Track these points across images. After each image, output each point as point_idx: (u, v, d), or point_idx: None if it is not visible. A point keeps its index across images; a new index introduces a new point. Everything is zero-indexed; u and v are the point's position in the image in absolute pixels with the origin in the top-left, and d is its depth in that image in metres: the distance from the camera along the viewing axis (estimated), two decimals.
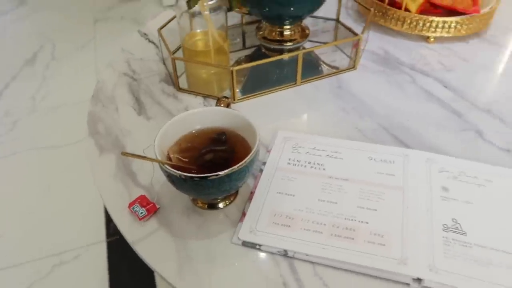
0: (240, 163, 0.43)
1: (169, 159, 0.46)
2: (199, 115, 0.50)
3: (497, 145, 0.57)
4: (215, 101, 0.59)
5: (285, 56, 0.69)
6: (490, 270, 0.41)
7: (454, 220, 0.46)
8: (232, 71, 0.62)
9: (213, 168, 0.43)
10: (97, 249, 1.14)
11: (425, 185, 0.50)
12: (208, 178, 0.42)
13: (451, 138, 0.58)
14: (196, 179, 0.42)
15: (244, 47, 0.80)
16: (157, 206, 0.49)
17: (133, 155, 0.44)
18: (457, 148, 0.56)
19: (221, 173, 0.42)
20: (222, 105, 0.52)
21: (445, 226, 0.45)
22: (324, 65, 0.74)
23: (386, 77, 0.70)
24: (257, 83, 0.71)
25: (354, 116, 0.62)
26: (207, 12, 0.62)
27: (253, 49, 0.78)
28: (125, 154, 0.43)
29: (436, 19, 0.74)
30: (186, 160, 0.47)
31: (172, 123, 0.48)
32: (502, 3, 0.79)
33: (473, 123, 0.60)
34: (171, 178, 0.44)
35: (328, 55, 0.76)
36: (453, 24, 0.74)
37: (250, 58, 0.76)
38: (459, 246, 0.43)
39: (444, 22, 0.74)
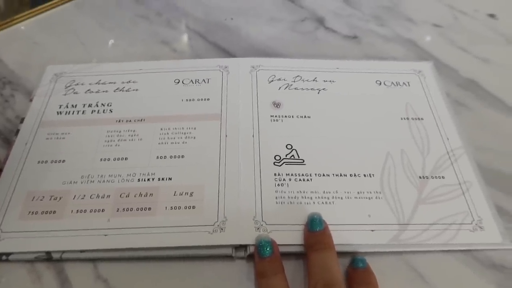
0: None
1: None
2: None
3: (341, 33, 0.44)
4: None
5: None
6: (330, 208, 0.30)
7: (289, 147, 0.34)
8: None
9: None
10: None
11: (249, 106, 0.36)
12: None
13: (287, 34, 0.44)
14: None
15: None
16: None
17: None
18: (294, 46, 0.43)
19: None
20: None
21: (278, 158, 0.33)
22: None
23: None
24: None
25: (159, 26, 0.45)
26: None
27: None
28: None
29: None
30: None
31: None
32: None
33: (311, 9, 0.47)
34: None
35: None
36: None
37: None
38: (295, 183, 0.31)
39: None
